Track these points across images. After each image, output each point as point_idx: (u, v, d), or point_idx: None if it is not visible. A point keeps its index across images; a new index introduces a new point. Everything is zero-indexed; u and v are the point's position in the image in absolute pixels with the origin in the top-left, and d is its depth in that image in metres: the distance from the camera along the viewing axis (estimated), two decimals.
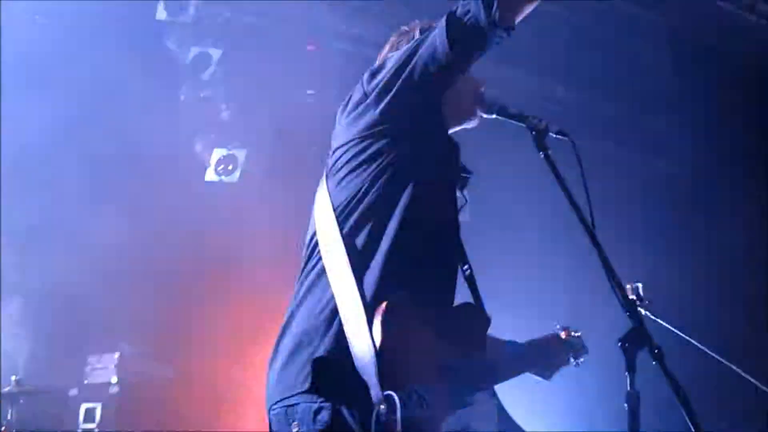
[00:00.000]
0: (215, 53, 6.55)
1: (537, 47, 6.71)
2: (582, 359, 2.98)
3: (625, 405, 1.98)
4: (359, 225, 2.34)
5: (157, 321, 6.52)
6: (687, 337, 3.43)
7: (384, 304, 2.13)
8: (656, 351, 1.98)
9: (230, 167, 6.63)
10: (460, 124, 2.66)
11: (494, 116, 2.61)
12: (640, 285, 3.11)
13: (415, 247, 2.33)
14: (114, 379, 5.37)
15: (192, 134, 6.66)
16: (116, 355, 5.47)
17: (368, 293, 2.19)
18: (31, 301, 5.97)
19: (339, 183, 2.44)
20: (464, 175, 2.64)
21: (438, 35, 2.31)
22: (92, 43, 6.31)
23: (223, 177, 6.58)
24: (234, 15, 6.84)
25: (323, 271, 2.31)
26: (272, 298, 7.10)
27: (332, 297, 2.25)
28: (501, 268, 6.77)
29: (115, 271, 6.45)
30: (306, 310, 2.31)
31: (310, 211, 2.58)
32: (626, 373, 2.01)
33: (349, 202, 2.38)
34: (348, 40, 7.27)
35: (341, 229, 2.33)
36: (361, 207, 2.36)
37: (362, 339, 2.10)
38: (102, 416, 5.22)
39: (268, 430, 2.33)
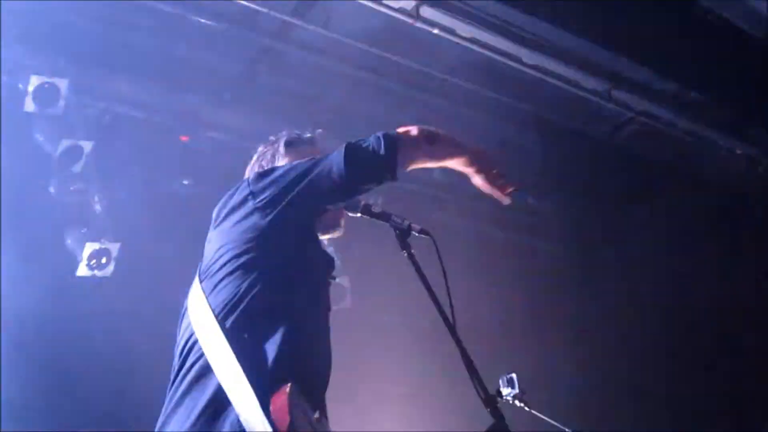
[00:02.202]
0: (86, 145, 6.44)
1: None
2: None
3: None
4: (240, 326, 2.34)
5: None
6: (561, 427, 3.48)
7: (286, 389, 2.13)
8: None
9: (103, 261, 6.44)
10: (327, 233, 2.72)
11: (359, 215, 2.69)
12: (514, 375, 3.18)
13: (296, 345, 2.35)
14: None
15: (62, 228, 6.46)
16: None
17: (258, 386, 2.18)
18: None
19: (216, 285, 2.43)
20: (331, 279, 2.68)
21: (335, 159, 2.38)
22: None
23: (96, 271, 6.38)
24: (106, 106, 6.81)
25: (206, 369, 2.29)
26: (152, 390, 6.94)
27: (215, 394, 2.22)
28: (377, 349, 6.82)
29: None
30: (185, 411, 2.27)
31: (181, 315, 2.55)
32: None
33: (226, 305, 2.38)
34: (220, 130, 7.34)
35: (223, 330, 2.32)
36: (240, 309, 2.36)
37: (261, 426, 2.10)
38: None
39: None
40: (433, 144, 2.42)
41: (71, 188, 6.43)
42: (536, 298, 8.46)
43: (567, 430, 3.26)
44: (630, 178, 8.26)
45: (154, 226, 7.17)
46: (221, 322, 2.33)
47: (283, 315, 2.37)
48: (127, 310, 7.07)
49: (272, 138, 2.88)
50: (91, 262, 6.37)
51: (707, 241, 7.91)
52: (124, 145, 6.85)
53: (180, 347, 2.46)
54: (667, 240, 7.94)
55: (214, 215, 2.61)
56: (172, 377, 2.42)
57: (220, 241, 2.50)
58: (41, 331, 6.54)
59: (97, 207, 6.54)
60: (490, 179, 2.56)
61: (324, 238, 2.71)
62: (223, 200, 2.59)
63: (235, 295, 2.38)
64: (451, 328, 2.32)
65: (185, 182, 7.20)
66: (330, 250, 2.76)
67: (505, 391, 2.96)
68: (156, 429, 2.35)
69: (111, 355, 6.87)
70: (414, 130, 2.44)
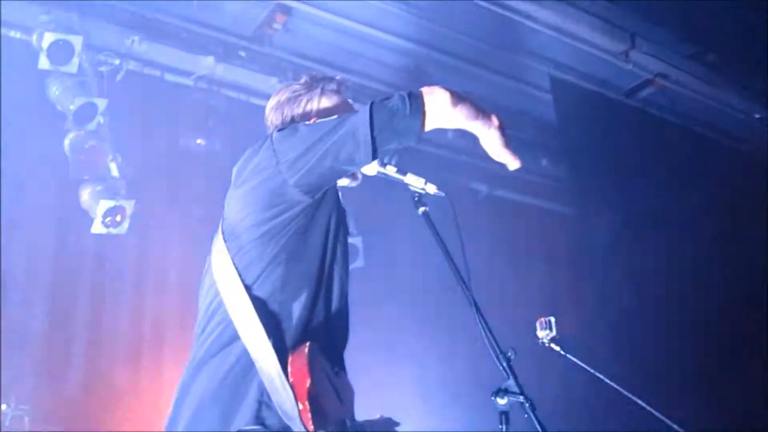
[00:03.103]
0: (101, 103, 6.45)
1: None
2: None
3: None
4: (264, 289, 2.37)
5: (40, 379, 6.33)
6: (595, 373, 3.48)
7: (305, 349, 2.17)
8: (527, 403, 2.06)
9: (118, 218, 6.48)
10: (345, 182, 2.72)
11: (377, 172, 2.68)
12: (552, 318, 3.19)
13: (318, 314, 2.40)
14: None
15: (77, 186, 6.50)
16: None
17: (279, 349, 2.22)
18: None
19: (241, 248, 2.43)
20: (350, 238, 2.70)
21: (359, 121, 2.32)
22: None
23: (110, 229, 6.42)
24: (120, 64, 6.80)
25: (232, 331, 2.31)
26: (164, 356, 7.05)
27: (242, 355, 2.26)
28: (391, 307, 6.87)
29: None
30: (214, 368, 2.30)
31: (204, 272, 2.56)
32: (500, 426, 2.09)
33: (251, 268, 2.39)
34: (234, 88, 7.34)
35: (248, 293, 2.34)
36: (265, 273, 2.38)
37: (283, 390, 2.13)
38: None
39: None
40: (455, 106, 2.37)
41: (86, 146, 6.45)
42: (549, 261, 8.47)
43: (600, 375, 3.29)
44: (646, 140, 8.20)
45: (169, 184, 7.22)
46: (246, 285, 2.35)
47: (306, 277, 2.40)
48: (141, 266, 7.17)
49: (305, 80, 2.82)
50: (106, 220, 6.40)
51: (722, 204, 7.87)
52: (139, 103, 6.86)
53: (205, 305, 2.48)
54: (683, 203, 7.91)
55: (234, 173, 2.58)
56: (197, 332, 2.45)
57: (243, 202, 2.48)
58: (55, 289, 6.64)
59: (112, 165, 6.55)
60: (501, 144, 2.53)
61: (341, 186, 2.70)
62: (244, 158, 2.56)
63: (261, 258, 2.38)
64: (466, 287, 2.33)
65: (199, 141, 7.19)
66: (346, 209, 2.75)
67: (542, 333, 2.97)
68: (181, 383, 2.38)
69: (125, 309, 6.98)
70: (438, 92, 2.37)
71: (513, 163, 2.59)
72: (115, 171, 6.59)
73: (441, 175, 7.73)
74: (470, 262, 2.46)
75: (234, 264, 2.40)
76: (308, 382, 2.09)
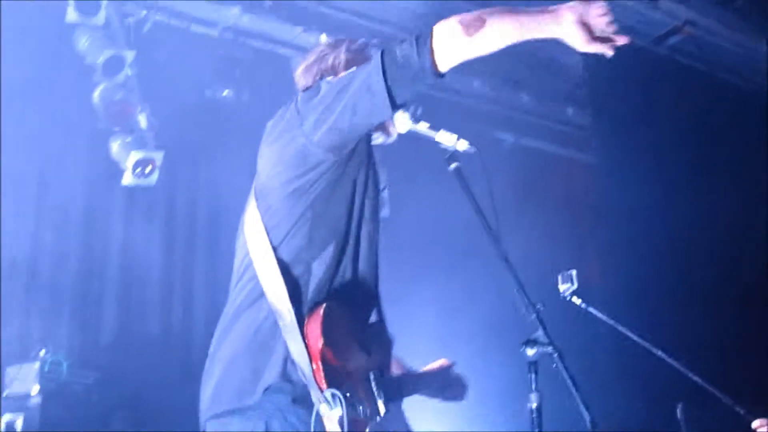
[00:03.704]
0: (129, 55, 6.49)
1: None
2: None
3: (529, 406, 2.13)
4: (290, 250, 2.41)
5: (74, 326, 6.49)
6: (618, 326, 3.50)
7: (320, 311, 2.22)
8: (556, 353, 2.13)
9: (148, 169, 6.56)
10: (378, 138, 2.74)
11: (408, 129, 2.70)
12: (574, 271, 3.22)
13: (345, 270, 2.45)
14: (35, 389, 5.29)
15: (107, 138, 6.59)
16: (35, 365, 5.38)
17: (298, 312, 2.28)
18: None
19: (270, 207, 2.47)
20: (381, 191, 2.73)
21: (372, 72, 2.28)
22: None
23: (140, 180, 6.51)
24: (147, 15, 6.82)
25: (260, 293, 2.37)
26: (195, 305, 7.20)
27: (269, 314, 2.33)
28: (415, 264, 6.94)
29: (31, 278, 6.40)
30: (242, 327, 2.38)
31: (240, 227, 2.61)
32: (529, 375, 2.16)
33: (278, 229, 2.44)
34: (259, 38, 7.34)
35: (275, 253, 2.39)
36: (291, 233, 2.42)
37: (299, 347, 2.19)
38: (25, 427, 5.15)
39: None
40: (478, 30, 2.23)
41: (115, 98, 6.51)
42: (574, 211, 8.47)
43: (621, 327, 3.33)
44: (673, 89, 8.12)
45: (196, 135, 7.28)
46: (273, 246, 2.40)
47: (333, 234, 2.44)
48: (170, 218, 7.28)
49: (333, 40, 2.84)
50: (136, 171, 6.49)
51: (751, 154, 7.79)
52: (165, 55, 6.89)
53: (238, 261, 2.55)
54: (710, 152, 7.86)
55: (267, 129, 2.61)
56: (231, 285, 2.52)
57: (273, 161, 2.51)
58: (86, 241, 6.77)
59: (141, 116, 6.62)
60: (584, 40, 2.30)
61: (375, 143, 2.73)
62: (278, 115, 2.58)
63: (288, 217, 2.42)
64: (496, 242, 2.38)
65: (225, 92, 7.23)
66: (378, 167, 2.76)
67: (563, 286, 3.01)
68: (216, 335, 2.47)
69: (155, 259, 7.10)
70: (445, 25, 2.25)
71: (608, 51, 2.35)
72: (143, 122, 6.66)
73: (465, 124, 7.71)
74: (501, 211, 2.49)
75: (263, 223, 2.45)
76: (320, 342, 2.15)
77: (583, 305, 3.34)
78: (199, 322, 7.12)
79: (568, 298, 3.31)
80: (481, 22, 2.24)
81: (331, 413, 2.07)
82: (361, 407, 2.18)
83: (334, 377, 2.14)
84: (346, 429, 2.06)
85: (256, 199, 2.53)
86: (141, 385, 6.12)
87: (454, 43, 2.24)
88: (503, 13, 2.28)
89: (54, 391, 5.40)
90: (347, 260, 2.46)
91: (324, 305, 2.24)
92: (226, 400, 2.30)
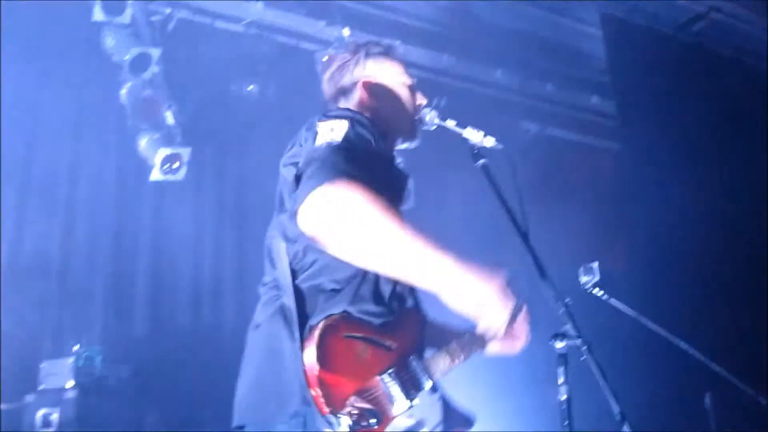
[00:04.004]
0: (155, 52, 6.57)
1: None
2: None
3: (558, 398, 2.17)
4: (308, 264, 2.42)
5: (107, 321, 6.61)
6: (640, 317, 3.50)
7: (317, 331, 2.22)
8: (585, 346, 2.16)
9: (175, 165, 6.65)
10: (403, 144, 2.77)
11: (436, 126, 2.74)
12: (595, 264, 3.24)
13: (370, 287, 2.43)
14: (70, 384, 5.38)
15: (135, 135, 6.68)
16: (70, 360, 5.48)
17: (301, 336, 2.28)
18: None
19: (290, 220, 2.43)
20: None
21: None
22: (28, 43, 6.32)
23: (168, 176, 6.60)
24: (172, 13, 6.90)
25: (278, 307, 2.40)
26: (224, 298, 7.29)
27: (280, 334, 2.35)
28: None
29: (63, 274, 6.51)
30: (264, 335, 2.42)
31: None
32: (559, 368, 2.19)
33: (298, 242, 2.43)
34: (283, 33, 7.39)
35: (293, 277, 2.39)
36: (311, 248, 2.40)
37: (298, 371, 2.21)
38: (61, 421, 5.24)
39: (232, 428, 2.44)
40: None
41: (142, 95, 6.59)
42: (599, 199, 8.46)
43: (643, 319, 3.34)
44: (698, 75, 8.07)
45: (222, 131, 7.36)
46: (292, 267, 2.41)
47: None
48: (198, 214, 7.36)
49: (353, 46, 2.86)
50: (164, 167, 6.57)
51: None
52: (190, 52, 6.96)
53: (266, 263, 2.58)
54: (735, 139, 7.80)
55: (290, 145, 2.59)
56: (261, 284, 2.57)
57: (287, 180, 2.49)
58: (117, 237, 6.87)
59: (168, 113, 6.70)
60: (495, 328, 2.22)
61: (400, 148, 2.76)
62: (302, 130, 2.54)
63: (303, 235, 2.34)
64: (524, 238, 2.41)
65: (250, 87, 7.30)
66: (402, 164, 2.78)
67: (585, 278, 3.02)
68: (249, 333, 2.52)
69: (184, 255, 7.20)
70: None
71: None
72: (170, 119, 6.74)
73: (490, 114, 7.79)
74: (526, 200, 2.51)
75: (285, 233, 2.47)
76: (316, 369, 2.15)
77: (605, 297, 3.34)
78: (229, 315, 7.22)
79: (589, 290, 3.32)
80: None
81: None
82: (373, 418, 2.18)
83: (337, 397, 2.15)
84: None
85: (278, 208, 2.55)
86: (174, 379, 6.22)
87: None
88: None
89: (89, 386, 5.49)
90: (374, 282, 2.42)
91: (321, 325, 2.24)
92: (253, 416, 2.35)
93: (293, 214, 2.20)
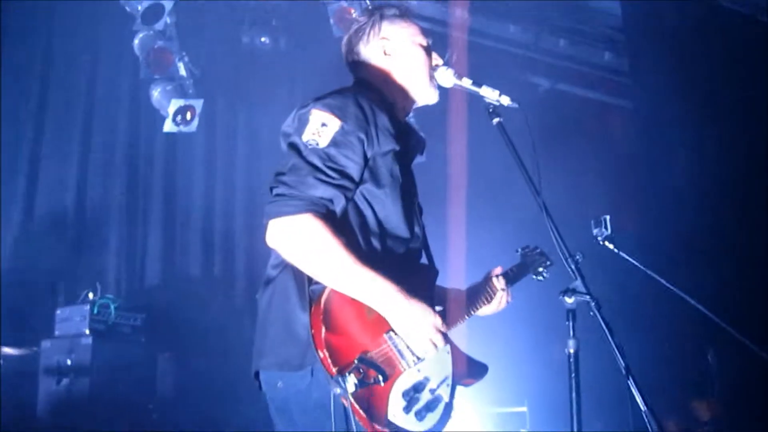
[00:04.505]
0: (167, 4, 6.55)
1: None
2: (545, 271, 3.05)
3: (566, 351, 2.24)
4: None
5: (120, 271, 6.70)
6: (651, 273, 3.53)
7: (323, 296, 2.29)
8: (593, 302, 2.22)
9: (188, 117, 6.68)
10: (422, 102, 2.80)
11: (453, 85, 2.76)
12: (607, 216, 3.29)
13: (388, 223, 2.50)
14: (85, 331, 5.49)
15: (148, 85, 6.70)
16: (85, 307, 5.58)
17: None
18: None
19: None
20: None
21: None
22: None
23: (181, 127, 6.63)
24: None
25: (289, 268, 2.42)
26: (235, 247, 7.37)
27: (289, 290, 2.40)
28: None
29: (78, 224, 6.59)
30: (275, 297, 2.45)
31: None
32: (567, 322, 2.26)
33: None
34: None
35: None
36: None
37: (306, 330, 2.28)
38: (76, 366, 5.37)
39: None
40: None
41: (155, 46, 6.60)
42: (610, 156, 8.46)
43: (652, 273, 3.37)
44: (712, 32, 7.99)
45: (234, 83, 7.37)
46: None
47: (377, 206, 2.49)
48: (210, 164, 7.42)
49: (369, 9, 2.88)
50: (177, 118, 6.60)
51: None
52: (204, 3, 6.95)
53: None
54: (749, 95, 7.74)
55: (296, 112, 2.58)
56: None
57: None
58: (130, 188, 6.94)
59: (180, 64, 6.71)
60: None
61: (418, 105, 2.80)
62: (304, 103, 2.56)
63: None
64: (537, 193, 2.45)
65: (263, 39, 7.29)
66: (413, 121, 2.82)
67: (596, 231, 3.06)
68: (263, 291, 2.57)
69: (196, 204, 7.27)
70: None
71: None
72: (182, 70, 6.75)
73: (501, 69, 7.76)
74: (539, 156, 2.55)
75: None
76: (323, 332, 2.23)
77: (616, 250, 3.38)
78: (240, 264, 7.31)
79: (601, 243, 3.36)
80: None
81: (342, 393, 2.17)
82: (380, 375, 2.24)
83: (344, 358, 2.22)
84: (352, 405, 2.15)
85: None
86: (185, 326, 6.33)
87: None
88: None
89: (103, 332, 5.61)
90: (390, 212, 2.50)
91: (328, 288, 2.30)
92: (265, 365, 2.41)
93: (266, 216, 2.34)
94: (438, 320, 2.34)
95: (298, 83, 7.69)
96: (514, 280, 2.94)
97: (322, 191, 2.31)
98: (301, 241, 2.26)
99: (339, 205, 2.35)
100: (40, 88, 6.60)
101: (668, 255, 6.59)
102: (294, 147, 2.40)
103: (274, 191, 2.34)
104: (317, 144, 2.37)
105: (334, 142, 2.37)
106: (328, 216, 2.30)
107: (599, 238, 3.18)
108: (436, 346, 2.32)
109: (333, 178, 2.32)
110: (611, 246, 3.26)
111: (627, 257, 3.38)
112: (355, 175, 2.39)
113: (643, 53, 8.14)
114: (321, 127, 2.39)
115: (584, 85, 9.12)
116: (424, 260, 2.70)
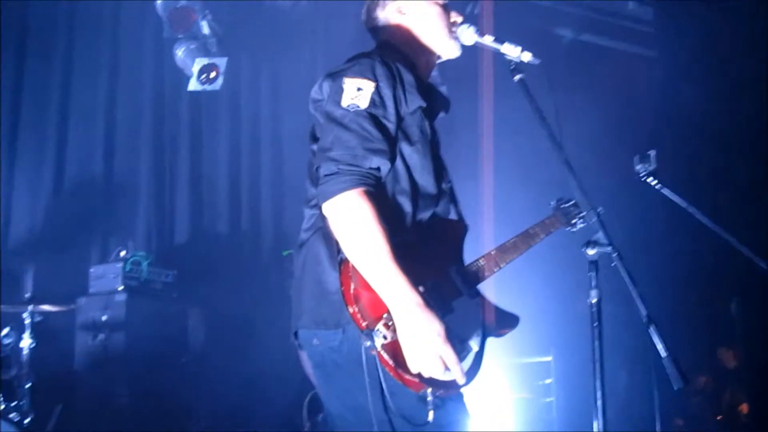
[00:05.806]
0: None
1: None
2: (579, 221, 3.02)
3: (589, 301, 2.30)
4: None
5: (150, 229, 6.81)
6: (692, 210, 3.51)
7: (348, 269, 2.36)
8: (615, 253, 2.27)
9: (212, 75, 6.72)
10: (443, 57, 2.82)
11: (474, 42, 2.79)
12: (653, 152, 3.30)
13: (419, 179, 2.55)
14: (119, 287, 5.62)
15: (172, 45, 6.74)
16: (118, 264, 5.70)
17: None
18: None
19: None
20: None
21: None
22: None
23: (206, 86, 6.68)
24: None
25: (320, 229, 2.50)
26: (262, 205, 7.45)
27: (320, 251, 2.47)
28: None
29: (107, 185, 6.70)
30: (308, 259, 2.52)
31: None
32: (590, 273, 2.31)
33: None
34: None
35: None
36: None
37: (337, 290, 2.37)
38: (110, 322, 5.50)
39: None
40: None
41: (177, 5, 6.62)
42: (633, 106, 8.40)
43: (692, 209, 3.35)
44: None
45: (257, 41, 7.39)
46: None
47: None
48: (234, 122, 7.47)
49: None
50: (201, 77, 6.65)
51: None
52: None
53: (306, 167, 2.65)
54: None
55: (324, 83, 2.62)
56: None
57: None
58: (156, 147, 7.01)
59: (203, 23, 6.73)
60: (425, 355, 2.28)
61: (441, 60, 2.82)
62: (330, 72, 2.61)
63: None
64: (559, 148, 2.48)
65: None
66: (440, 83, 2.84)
67: (639, 167, 3.07)
68: (301, 249, 2.63)
69: (222, 163, 7.34)
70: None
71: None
72: (206, 29, 6.77)
73: (524, 21, 7.70)
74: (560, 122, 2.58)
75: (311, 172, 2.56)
76: (352, 287, 2.31)
77: (658, 186, 3.37)
78: (267, 222, 7.40)
79: (643, 179, 3.36)
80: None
81: (372, 345, 2.24)
82: None
83: (373, 313, 2.29)
84: (381, 356, 2.23)
85: (311, 140, 2.63)
86: (214, 282, 6.46)
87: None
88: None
89: (136, 289, 5.75)
90: (419, 171, 2.54)
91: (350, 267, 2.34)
92: (302, 324, 2.49)
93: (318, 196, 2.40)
94: (443, 335, 2.27)
95: (320, 39, 7.69)
96: (549, 230, 2.94)
97: (370, 161, 2.36)
98: (345, 220, 2.31)
99: (385, 171, 2.41)
100: (65, 52, 6.64)
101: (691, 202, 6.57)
102: (332, 118, 2.43)
103: (322, 170, 2.38)
104: (358, 106, 2.41)
105: (373, 103, 2.42)
106: (376, 187, 2.36)
107: (642, 174, 3.18)
108: (442, 361, 2.26)
109: (379, 144, 2.37)
110: (654, 182, 3.26)
111: (668, 193, 3.37)
112: (395, 135, 2.45)
113: (668, 2, 8.05)
114: (357, 92, 2.42)
115: (609, 35, 9.02)
116: (453, 216, 2.75)
